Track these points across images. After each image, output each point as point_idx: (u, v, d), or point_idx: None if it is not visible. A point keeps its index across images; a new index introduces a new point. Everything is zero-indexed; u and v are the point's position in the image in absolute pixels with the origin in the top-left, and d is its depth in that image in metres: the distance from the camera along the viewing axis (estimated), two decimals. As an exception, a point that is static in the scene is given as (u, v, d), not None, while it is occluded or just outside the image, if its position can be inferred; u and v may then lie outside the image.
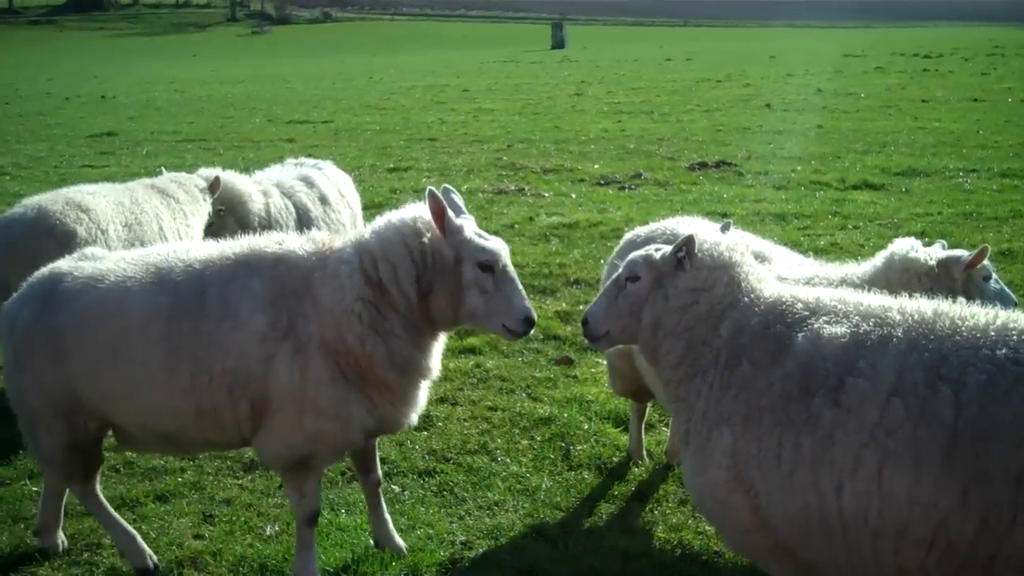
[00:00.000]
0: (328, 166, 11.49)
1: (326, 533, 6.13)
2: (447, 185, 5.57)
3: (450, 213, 5.16)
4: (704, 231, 4.86)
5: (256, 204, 9.93)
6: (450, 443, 7.40)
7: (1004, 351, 3.79)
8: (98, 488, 5.90)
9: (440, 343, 5.46)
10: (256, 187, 10.07)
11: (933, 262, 5.59)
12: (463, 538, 6.09)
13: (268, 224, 10.00)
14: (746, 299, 4.53)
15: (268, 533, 6.20)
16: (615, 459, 7.12)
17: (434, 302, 5.17)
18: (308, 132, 26.65)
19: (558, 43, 70.95)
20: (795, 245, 11.45)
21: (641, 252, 4.81)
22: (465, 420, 7.82)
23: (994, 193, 15.86)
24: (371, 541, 5.97)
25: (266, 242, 5.51)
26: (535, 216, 14.99)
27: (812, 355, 4.13)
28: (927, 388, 3.83)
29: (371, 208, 15.32)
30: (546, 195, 16.81)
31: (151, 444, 5.72)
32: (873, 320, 4.13)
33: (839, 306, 4.29)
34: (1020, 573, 3.64)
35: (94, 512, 5.93)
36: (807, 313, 4.32)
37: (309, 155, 14.54)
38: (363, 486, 6.00)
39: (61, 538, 6.07)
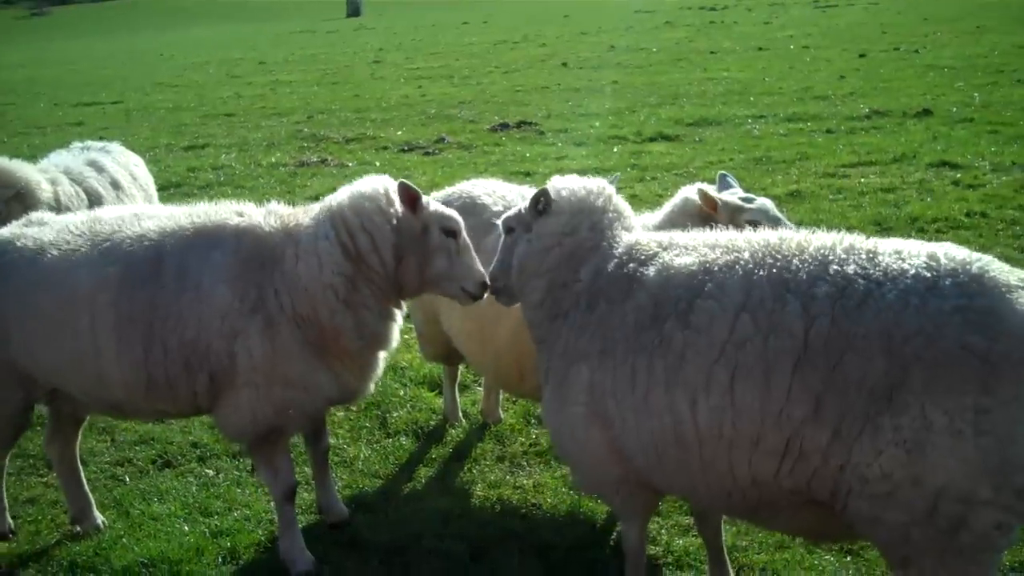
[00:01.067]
0: (117, 148, 11.02)
1: (139, 524, 5.96)
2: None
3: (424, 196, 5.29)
4: (568, 180, 4.98)
5: (45, 193, 9.46)
6: (264, 422, 7.26)
7: (853, 268, 3.89)
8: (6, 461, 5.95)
9: (400, 315, 5.54)
10: (43, 175, 9.61)
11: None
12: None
13: (59, 213, 9.56)
14: (605, 243, 4.68)
15: (77, 529, 5.97)
16: (431, 423, 7.15)
17: (403, 270, 5.25)
18: (97, 114, 25.53)
19: (354, 11, 69.97)
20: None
21: (512, 208, 5.05)
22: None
23: (781, 137, 16.56)
24: (189, 530, 5.84)
25: (225, 212, 5.44)
26: (339, 187, 14.77)
27: (663, 285, 4.26)
28: (775, 302, 3.93)
29: (167, 189, 14.89)
30: (350, 165, 16.64)
31: (97, 409, 5.72)
32: (720, 249, 4.25)
33: (688, 242, 4.43)
34: (865, 482, 3.74)
35: None
36: (658, 251, 4.46)
37: (100, 138, 13.89)
38: (311, 454, 5.96)
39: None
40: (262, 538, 5.76)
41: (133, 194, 10.53)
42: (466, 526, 5.76)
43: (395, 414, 7.26)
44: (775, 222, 5.25)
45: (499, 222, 5.13)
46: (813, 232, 4.19)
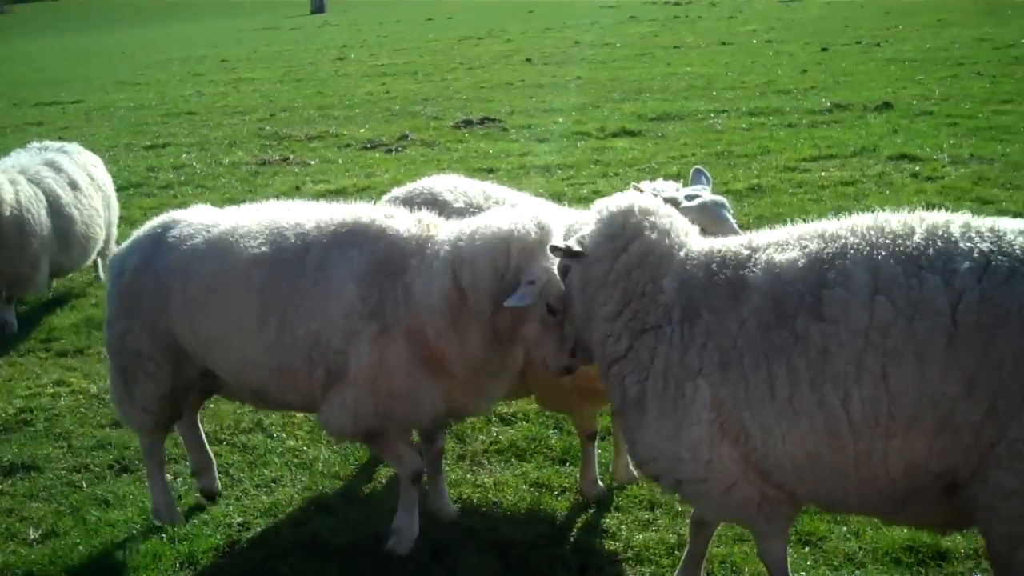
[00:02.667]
0: (74, 148, 10.96)
1: (96, 530, 5.90)
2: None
3: (548, 248, 4.87)
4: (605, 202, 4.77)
5: (8, 194, 9.39)
6: (223, 424, 7.23)
7: (987, 245, 3.85)
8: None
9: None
10: (3, 175, 9.52)
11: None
12: (240, 519, 5.98)
13: (20, 214, 9.48)
14: (681, 253, 4.51)
15: (32, 537, 5.93)
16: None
17: (499, 318, 4.99)
18: (57, 114, 25.27)
19: (318, 7, 69.64)
20: (559, 196, 11.71)
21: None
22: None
23: (743, 132, 16.62)
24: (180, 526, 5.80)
25: (375, 212, 5.44)
26: (301, 185, 14.77)
27: (774, 283, 4.12)
28: (910, 278, 3.85)
29: (127, 189, 14.78)
30: (312, 163, 16.57)
31: (243, 396, 5.85)
32: (816, 240, 4.17)
33: (777, 238, 4.33)
34: (1017, 459, 3.72)
35: (146, 466, 6.09)
36: (747, 252, 4.33)
37: (60, 138, 13.81)
38: (426, 454, 5.87)
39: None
40: (220, 543, 5.72)
41: (91, 194, 10.48)
42: (426, 525, 5.73)
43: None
44: (717, 221, 5.20)
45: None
46: (891, 213, 4.15)
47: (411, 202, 6.12)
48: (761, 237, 4.43)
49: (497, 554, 5.44)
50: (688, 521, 5.09)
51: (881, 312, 3.86)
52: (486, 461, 6.53)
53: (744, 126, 17.09)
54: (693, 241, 4.60)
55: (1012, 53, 23.50)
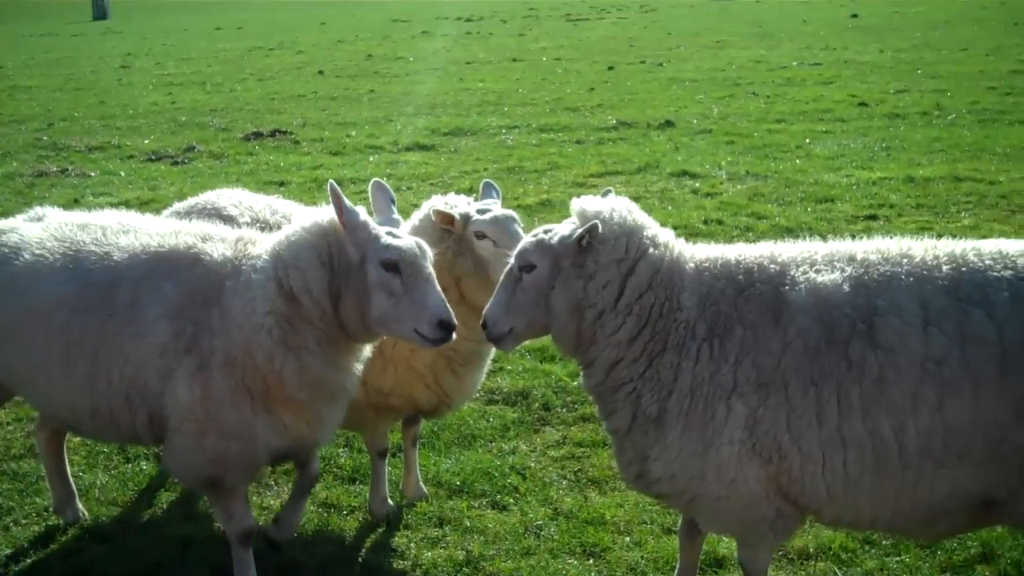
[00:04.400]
0: None
1: None
2: (379, 179, 5.05)
3: (349, 205, 4.62)
4: (587, 201, 4.52)
5: None
6: (-9, 451, 6.83)
7: (1010, 272, 3.98)
8: None
9: (360, 359, 4.96)
10: None
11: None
12: (8, 551, 5.66)
13: None
14: (691, 265, 4.37)
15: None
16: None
17: (342, 308, 4.65)
18: None
19: (100, 14, 67.02)
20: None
21: (531, 239, 4.49)
22: (8, 423, 7.24)
23: (533, 147, 16.93)
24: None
25: (191, 236, 5.00)
26: (80, 198, 14.13)
27: (820, 306, 4.06)
28: (957, 312, 3.91)
29: None
30: (92, 175, 15.88)
31: (57, 423, 5.56)
32: (849, 263, 4.16)
33: (800, 255, 4.28)
34: None
35: None
36: (776, 267, 4.26)
37: None
38: (299, 479, 5.46)
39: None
40: None
41: None
42: (209, 551, 5.57)
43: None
44: (508, 235, 5.21)
45: (512, 257, 4.54)
46: (915, 239, 4.27)
47: (192, 216, 5.95)
48: (779, 250, 4.36)
49: (284, 577, 5.33)
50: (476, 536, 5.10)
51: (935, 343, 3.91)
52: (273, 483, 6.39)
53: (534, 142, 17.41)
54: (689, 248, 4.51)
55: (784, 75, 24.82)
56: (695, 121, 18.60)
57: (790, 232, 10.65)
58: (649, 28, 41.50)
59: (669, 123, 18.36)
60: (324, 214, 4.75)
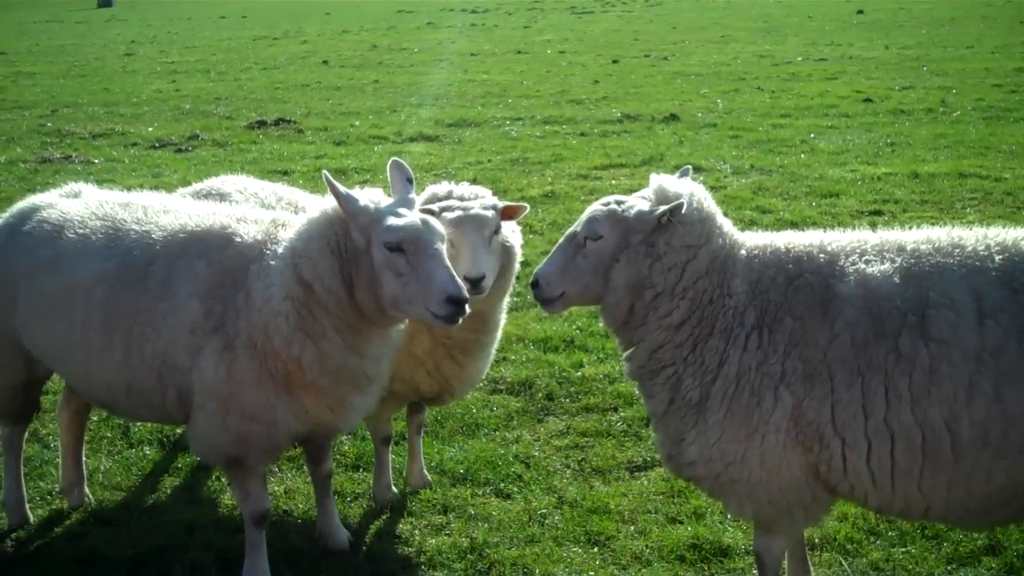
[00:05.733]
0: None
1: None
2: (397, 158, 4.96)
3: (344, 191, 4.58)
4: (667, 180, 4.47)
5: None
6: (-6, 434, 6.82)
7: None
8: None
9: (387, 345, 4.87)
10: None
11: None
12: (13, 534, 5.66)
13: None
14: (743, 251, 4.35)
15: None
16: (177, 431, 6.88)
17: (357, 294, 4.61)
18: None
19: (105, 1, 67.08)
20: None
21: (602, 208, 4.44)
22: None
23: (537, 139, 16.92)
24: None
25: (226, 217, 5.07)
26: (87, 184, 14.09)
27: (869, 298, 4.05)
28: (1012, 304, 3.91)
29: None
30: (96, 161, 15.88)
31: (93, 402, 5.60)
32: (899, 253, 4.14)
33: (848, 245, 4.26)
34: None
35: (4, 457, 5.81)
36: (825, 257, 4.23)
37: None
38: (312, 476, 5.54)
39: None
40: None
41: None
42: (213, 536, 5.58)
43: (138, 423, 6.94)
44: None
45: (580, 226, 4.47)
46: (958, 228, 4.25)
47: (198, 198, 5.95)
48: (828, 239, 4.34)
49: (288, 564, 5.32)
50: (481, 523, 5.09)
51: (991, 335, 3.89)
52: (276, 468, 6.38)
53: (539, 134, 17.39)
54: (741, 235, 4.48)
55: (789, 70, 24.79)
56: (700, 115, 18.58)
57: (794, 227, 10.61)
58: (654, 22, 41.45)
59: (674, 117, 18.35)
60: (331, 203, 4.73)
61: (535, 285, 4.54)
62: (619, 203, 4.43)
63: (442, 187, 5.49)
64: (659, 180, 4.50)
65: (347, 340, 4.71)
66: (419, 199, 5.11)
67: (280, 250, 4.75)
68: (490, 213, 5.15)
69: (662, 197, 4.40)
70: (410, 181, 4.87)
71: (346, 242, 4.65)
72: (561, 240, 4.56)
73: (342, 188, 4.62)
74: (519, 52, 31.15)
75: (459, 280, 4.53)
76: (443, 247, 4.63)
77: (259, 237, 4.93)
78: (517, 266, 5.49)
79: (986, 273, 4.01)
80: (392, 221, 4.56)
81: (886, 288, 4.06)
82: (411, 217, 4.63)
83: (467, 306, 4.52)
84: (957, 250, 4.12)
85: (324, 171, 4.72)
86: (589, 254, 4.41)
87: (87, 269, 5.04)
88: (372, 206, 4.65)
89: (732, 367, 4.21)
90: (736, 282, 4.28)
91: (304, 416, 4.85)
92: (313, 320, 4.65)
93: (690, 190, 4.39)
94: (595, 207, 4.49)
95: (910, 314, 3.99)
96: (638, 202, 4.43)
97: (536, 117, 18.97)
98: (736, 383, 4.20)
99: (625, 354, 4.55)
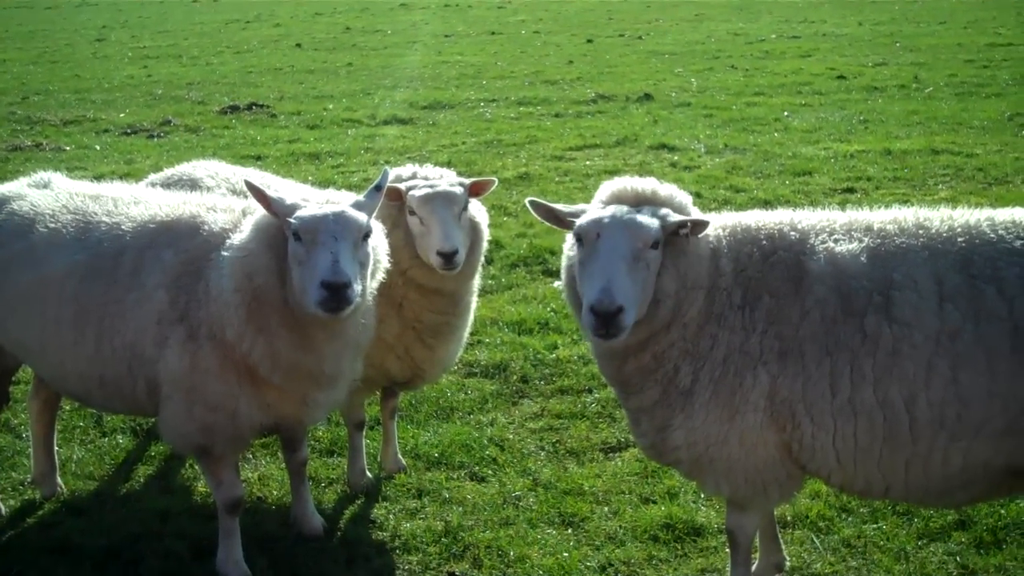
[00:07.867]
0: None
1: None
2: (387, 168, 4.99)
3: (271, 194, 4.53)
4: (643, 182, 4.36)
5: None
6: (-35, 425, 6.78)
7: (1020, 243, 3.99)
8: None
9: (342, 343, 4.74)
10: None
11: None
12: (-16, 525, 5.64)
13: None
14: (720, 231, 4.31)
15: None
16: (151, 420, 6.85)
17: (287, 290, 4.53)
18: None
19: (75, -14, 66.42)
20: (329, 184, 11.53)
21: (647, 218, 4.12)
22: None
23: (511, 121, 16.89)
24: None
25: (196, 206, 5.04)
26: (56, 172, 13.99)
27: (838, 276, 4.07)
28: (970, 288, 3.94)
29: None
30: (67, 149, 15.76)
31: (67, 395, 5.60)
32: (867, 233, 4.15)
33: (818, 223, 4.25)
34: None
35: None
36: (797, 235, 4.23)
37: None
38: (287, 464, 5.51)
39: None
40: None
41: None
42: (187, 524, 5.56)
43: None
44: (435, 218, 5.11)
45: (627, 240, 4.04)
46: (925, 209, 4.26)
47: (169, 187, 5.91)
48: (798, 217, 4.33)
49: (262, 550, 5.32)
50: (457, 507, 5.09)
51: (950, 318, 3.93)
52: (251, 455, 6.36)
53: (513, 115, 17.36)
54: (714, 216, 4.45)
55: (763, 48, 24.83)
56: (674, 94, 18.59)
57: (768, 205, 10.66)
58: (628, 0, 41.36)
59: (648, 96, 18.35)
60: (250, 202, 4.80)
61: (615, 311, 3.91)
62: (650, 212, 4.19)
63: (406, 169, 5.48)
64: (648, 184, 4.37)
65: (295, 337, 4.62)
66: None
67: (236, 240, 4.71)
68: (458, 190, 5.22)
69: (658, 197, 4.31)
70: (378, 189, 4.81)
71: (281, 238, 4.60)
72: (612, 256, 4.02)
73: (269, 191, 4.62)
74: (493, 33, 31.08)
75: (344, 269, 4.31)
76: (349, 241, 4.43)
77: (226, 226, 4.87)
78: (485, 244, 5.49)
79: (947, 256, 4.04)
80: (298, 212, 4.48)
81: (854, 267, 4.08)
82: (321, 209, 4.50)
83: (348, 295, 4.31)
84: (922, 231, 4.15)
85: (245, 179, 4.75)
86: (651, 263, 4.10)
87: (59, 262, 5.01)
88: (288, 200, 4.60)
89: (720, 351, 4.20)
90: (723, 262, 4.25)
91: (267, 409, 4.84)
92: (261, 315, 4.59)
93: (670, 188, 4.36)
94: (626, 216, 4.13)
95: (876, 294, 4.02)
96: (647, 213, 4.19)
97: (510, 98, 18.93)
98: (722, 365, 4.19)
99: (614, 363, 4.41)
